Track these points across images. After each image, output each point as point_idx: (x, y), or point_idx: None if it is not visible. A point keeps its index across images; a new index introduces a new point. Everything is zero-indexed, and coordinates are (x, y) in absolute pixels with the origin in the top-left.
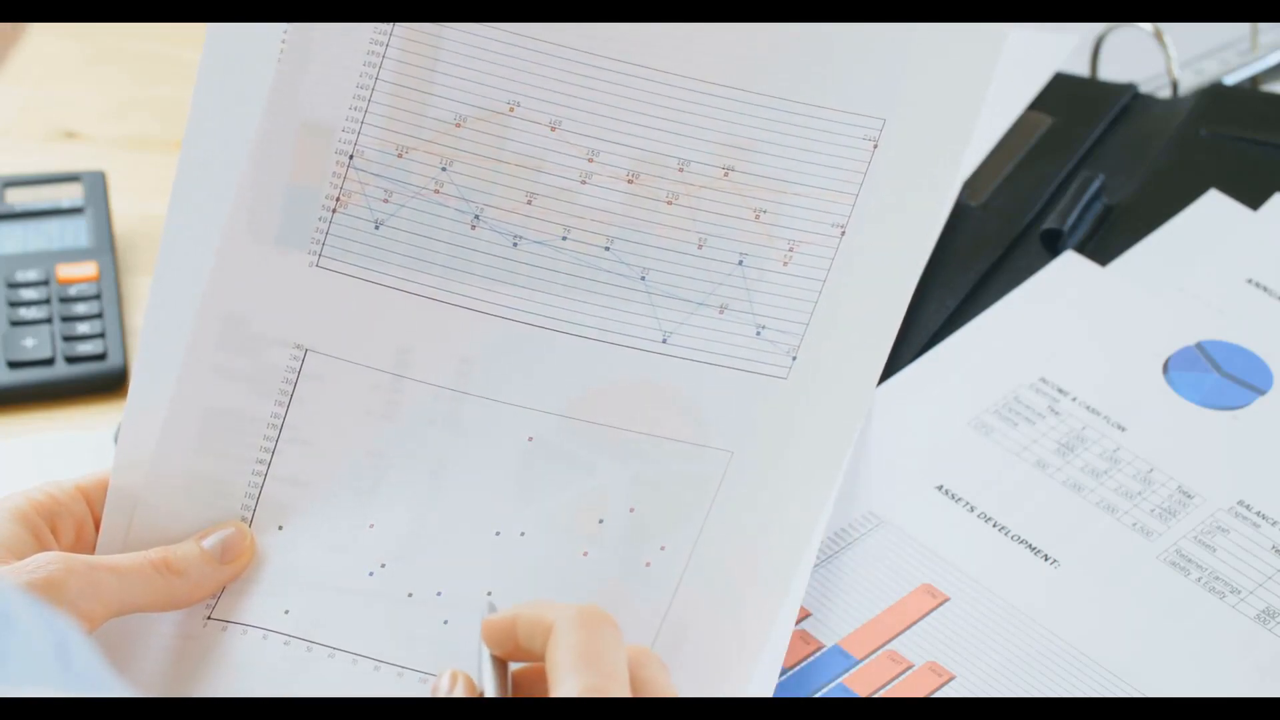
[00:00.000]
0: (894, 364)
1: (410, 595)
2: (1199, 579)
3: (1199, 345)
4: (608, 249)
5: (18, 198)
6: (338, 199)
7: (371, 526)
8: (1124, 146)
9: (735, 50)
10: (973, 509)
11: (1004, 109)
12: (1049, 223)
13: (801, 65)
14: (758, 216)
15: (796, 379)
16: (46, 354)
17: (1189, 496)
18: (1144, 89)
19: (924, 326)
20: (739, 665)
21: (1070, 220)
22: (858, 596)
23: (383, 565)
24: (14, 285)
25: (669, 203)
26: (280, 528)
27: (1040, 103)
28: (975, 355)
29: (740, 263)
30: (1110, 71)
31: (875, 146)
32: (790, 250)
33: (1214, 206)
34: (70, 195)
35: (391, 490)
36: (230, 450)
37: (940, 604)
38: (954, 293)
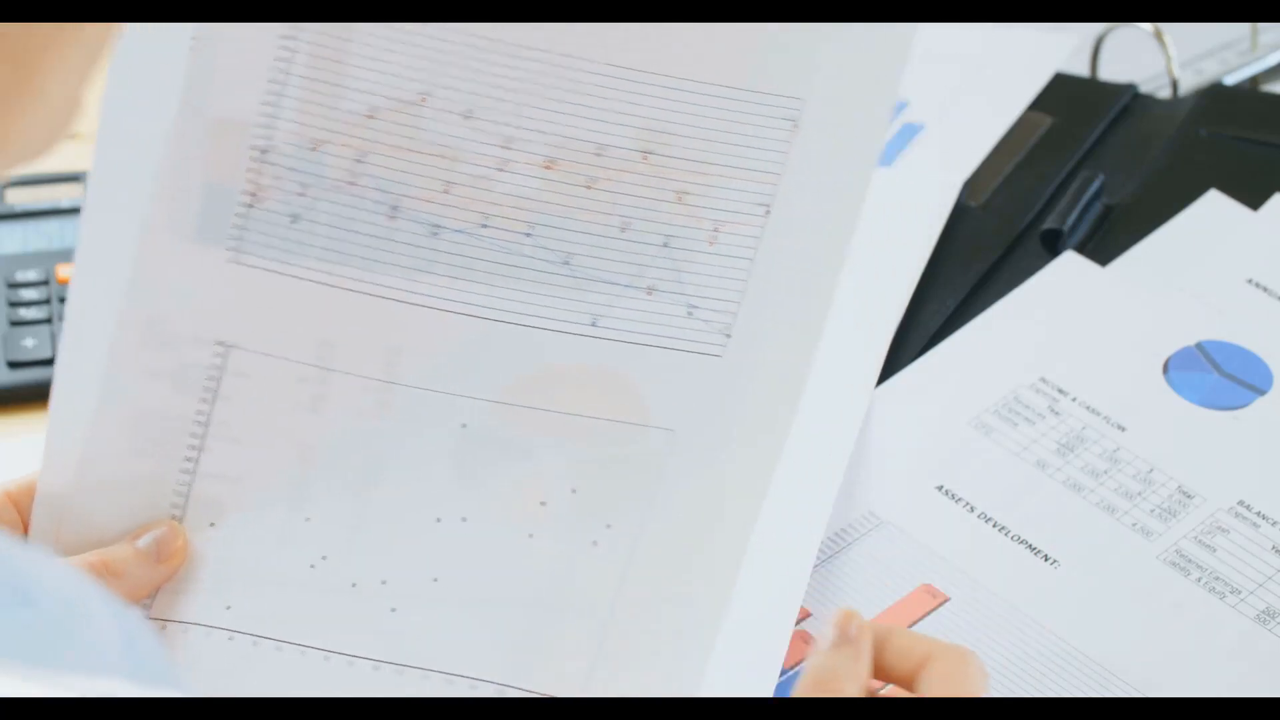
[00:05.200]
0: (894, 364)
1: (354, 585)
2: (1199, 579)
3: (1199, 345)
4: (529, 235)
5: (18, 198)
6: (254, 194)
7: (308, 520)
8: (1124, 146)
9: (650, 35)
10: (973, 509)
11: (1004, 109)
12: (1049, 223)
13: (717, 48)
14: (680, 198)
15: (733, 356)
16: (46, 354)
17: (1189, 497)
18: (1144, 89)
19: (924, 326)
20: (697, 640)
21: (1070, 220)
22: (858, 596)
23: (324, 557)
24: (14, 285)
25: (589, 187)
26: (212, 524)
27: (1040, 103)
28: (975, 355)
29: (665, 244)
30: (1110, 71)
31: (795, 126)
32: (716, 231)
33: (1214, 206)
34: (70, 195)
35: (326, 483)
36: (158, 450)
37: (940, 604)
38: (954, 293)
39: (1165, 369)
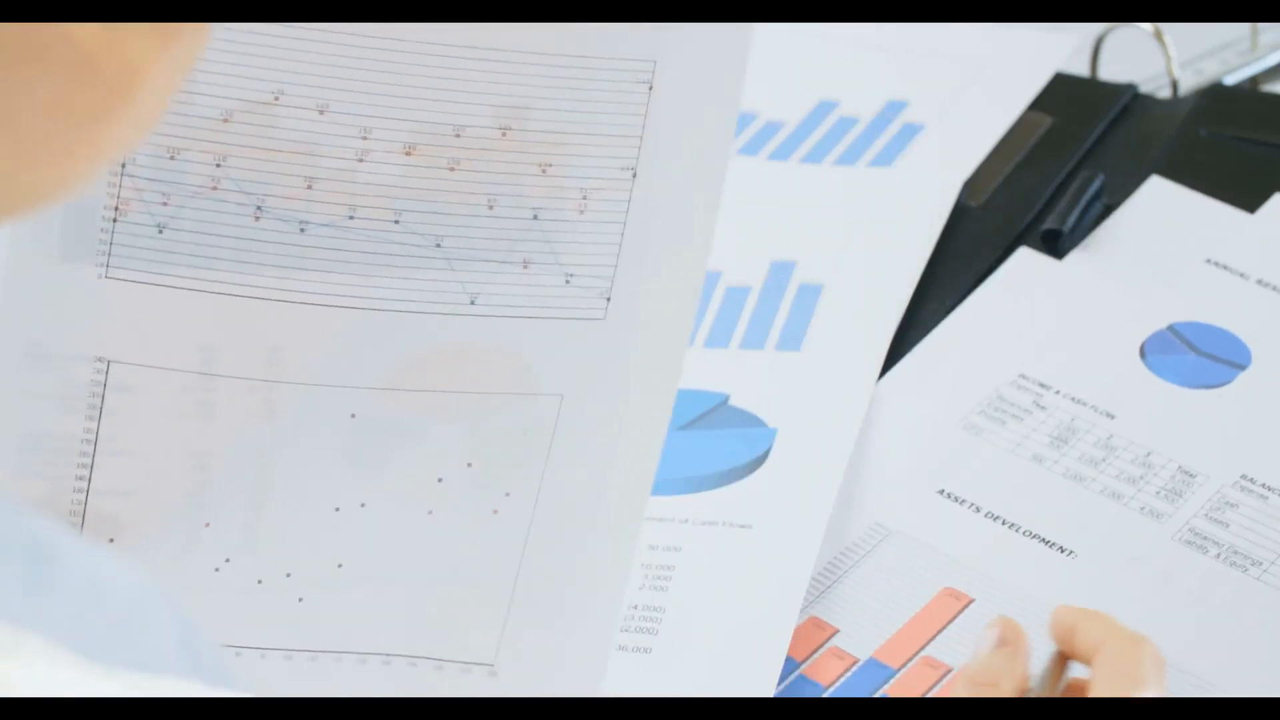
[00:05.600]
0: (894, 364)
1: (260, 582)
2: (1218, 555)
3: (1171, 328)
4: (397, 222)
5: None
6: (116, 208)
7: (208, 525)
8: (1124, 146)
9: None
10: (979, 509)
11: (1004, 109)
12: (1049, 223)
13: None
14: (544, 170)
15: (614, 318)
16: None
17: (1191, 476)
18: (1144, 89)
19: (924, 326)
20: (604, 599)
21: (1070, 220)
22: (882, 608)
23: (227, 560)
24: None
25: (451, 169)
26: (111, 540)
27: (1040, 103)
28: (949, 359)
29: (535, 217)
30: (1110, 71)
31: (650, 88)
32: (584, 198)
33: (1157, 191)
34: None
35: (221, 487)
36: (48, 471)
37: (965, 606)
38: (954, 293)
39: (1142, 354)
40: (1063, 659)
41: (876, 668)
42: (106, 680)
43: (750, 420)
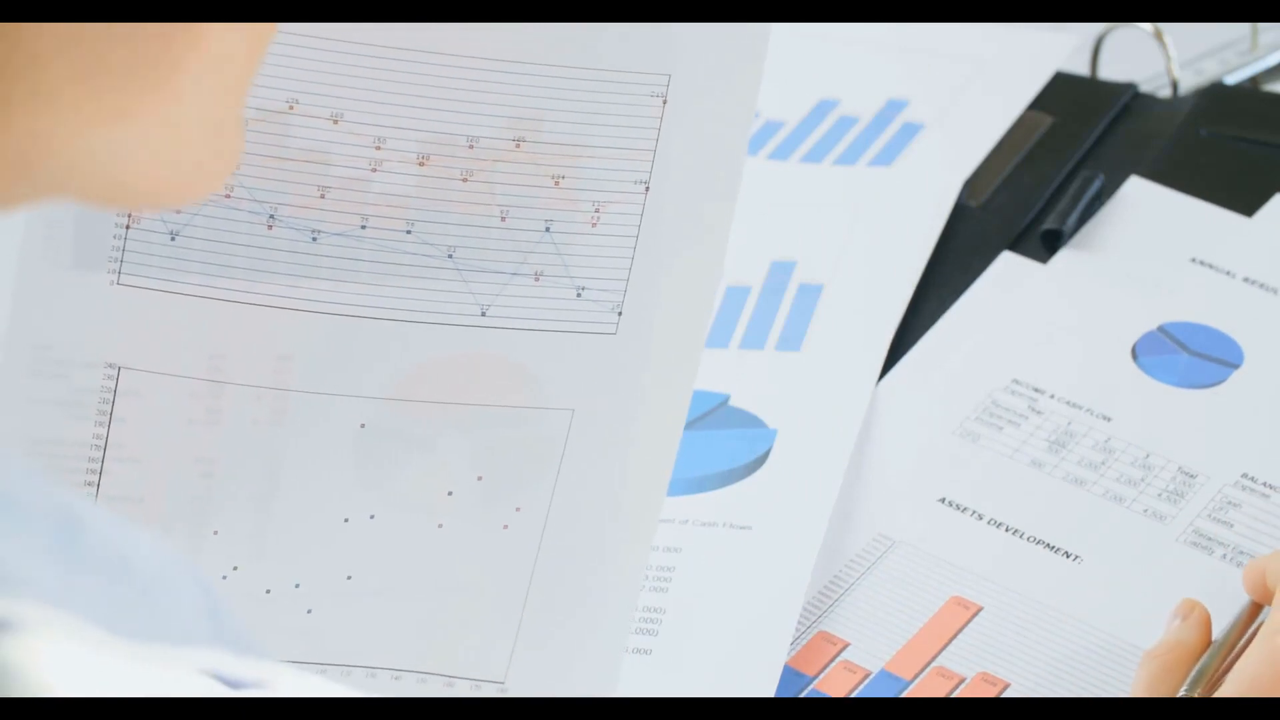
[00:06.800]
0: (894, 365)
1: (268, 592)
2: (1224, 555)
3: (1161, 329)
4: (409, 232)
5: None
6: (129, 215)
7: (216, 533)
8: (1124, 146)
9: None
10: (981, 516)
11: (1004, 109)
12: (1049, 223)
13: (578, 31)
14: (557, 183)
15: (625, 333)
16: None
17: (1191, 476)
18: (1144, 89)
19: (923, 327)
20: (615, 614)
21: (1070, 220)
22: (890, 619)
23: (235, 568)
24: None
25: (464, 180)
26: None
27: (1040, 103)
28: (941, 365)
29: (547, 229)
30: (1110, 71)
31: (665, 102)
32: (597, 211)
33: (1137, 191)
34: None
35: (229, 495)
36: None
37: (974, 614)
38: (954, 293)
39: (1134, 355)
40: (1254, 607)
41: (889, 679)
42: (135, 654)
43: (750, 421)
